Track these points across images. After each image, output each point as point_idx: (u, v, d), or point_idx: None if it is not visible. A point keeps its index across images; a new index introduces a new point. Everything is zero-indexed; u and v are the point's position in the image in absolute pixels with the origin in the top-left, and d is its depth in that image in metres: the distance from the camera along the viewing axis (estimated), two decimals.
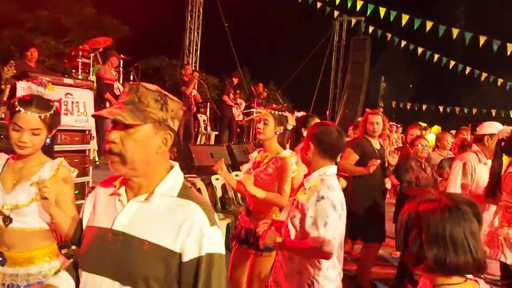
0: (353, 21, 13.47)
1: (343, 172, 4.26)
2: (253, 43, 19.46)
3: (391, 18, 10.71)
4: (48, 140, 2.07)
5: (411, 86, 28.18)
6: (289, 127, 3.30)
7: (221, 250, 1.35)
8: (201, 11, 12.83)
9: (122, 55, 8.89)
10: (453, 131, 7.92)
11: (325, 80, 15.34)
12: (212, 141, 9.96)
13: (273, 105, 11.72)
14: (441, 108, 15.25)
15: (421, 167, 4.63)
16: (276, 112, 3.22)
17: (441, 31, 10.39)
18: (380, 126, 4.36)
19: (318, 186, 2.31)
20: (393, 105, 17.15)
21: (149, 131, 1.31)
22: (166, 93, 1.37)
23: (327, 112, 15.39)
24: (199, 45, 12.90)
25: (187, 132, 8.35)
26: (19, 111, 1.94)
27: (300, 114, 4.48)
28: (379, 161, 4.08)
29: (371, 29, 12.78)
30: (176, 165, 1.44)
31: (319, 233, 2.19)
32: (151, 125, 1.32)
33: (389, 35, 12.66)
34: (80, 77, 7.84)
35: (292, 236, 2.40)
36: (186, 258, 1.29)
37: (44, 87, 2.04)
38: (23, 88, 4.65)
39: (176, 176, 1.40)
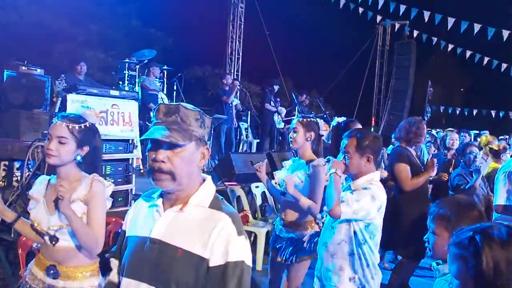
0: (397, 25, 13.17)
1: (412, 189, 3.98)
2: (295, 51, 19.44)
3: (436, 21, 10.39)
4: (79, 157, 2.13)
5: (462, 90, 27.15)
6: (322, 133, 3.27)
7: (247, 259, 1.40)
8: (242, 20, 13.00)
9: (165, 66, 9.16)
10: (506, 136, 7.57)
11: (368, 86, 15.06)
12: (254, 149, 10.03)
13: (313, 112, 11.68)
14: (493, 113, 14.57)
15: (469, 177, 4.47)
16: (305, 120, 3.22)
17: (490, 33, 9.98)
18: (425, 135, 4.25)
19: (367, 185, 2.56)
20: (441, 111, 16.55)
21: (193, 148, 1.43)
22: (201, 110, 1.47)
23: (373, 118, 15.08)
24: (240, 54, 13.05)
25: (228, 140, 8.48)
26: (53, 122, 2.10)
27: (341, 119, 4.40)
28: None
29: (415, 33, 12.44)
30: (209, 178, 1.55)
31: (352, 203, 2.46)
32: (194, 143, 1.42)
33: (435, 39, 12.27)
34: (126, 88, 8.16)
35: None
36: (212, 263, 1.36)
37: (85, 113, 2.18)
38: (72, 100, 4.92)
39: (208, 188, 1.50)
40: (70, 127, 2.07)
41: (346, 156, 2.64)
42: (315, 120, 3.30)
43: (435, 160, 3.95)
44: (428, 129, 13.01)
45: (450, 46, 12.11)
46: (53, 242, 2.09)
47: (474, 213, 1.75)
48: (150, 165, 1.42)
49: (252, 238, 5.58)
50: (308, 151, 3.20)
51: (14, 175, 4.31)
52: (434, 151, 6.57)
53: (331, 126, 4.11)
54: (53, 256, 2.13)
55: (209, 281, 1.35)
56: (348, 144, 2.65)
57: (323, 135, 3.35)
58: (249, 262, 1.41)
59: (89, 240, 2.06)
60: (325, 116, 9.28)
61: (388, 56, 14.39)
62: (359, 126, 4.19)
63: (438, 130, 12.81)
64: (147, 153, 1.44)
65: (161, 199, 1.48)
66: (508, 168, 3.53)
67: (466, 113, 15.41)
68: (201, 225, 1.40)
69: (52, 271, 2.11)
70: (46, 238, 2.11)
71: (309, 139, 3.19)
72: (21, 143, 4.23)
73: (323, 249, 2.73)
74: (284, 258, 3.12)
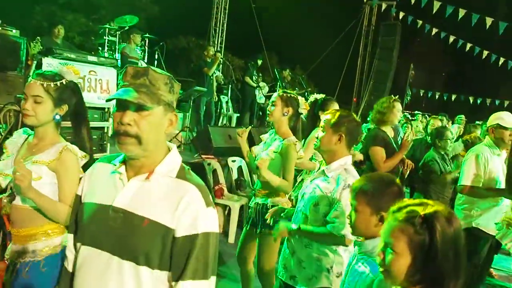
0: (384, 5, 13.11)
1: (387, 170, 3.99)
2: (281, 26, 19.22)
3: (422, 4, 10.38)
4: (57, 117, 2.07)
5: (443, 74, 27.44)
6: (301, 111, 3.29)
7: (214, 229, 1.41)
8: None
9: (147, 34, 8.98)
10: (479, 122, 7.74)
11: (351, 65, 15.06)
12: (234, 123, 10.02)
13: (296, 89, 11.68)
14: (471, 99, 14.81)
15: (444, 160, 4.56)
16: (284, 94, 3.22)
17: (474, 20, 10.03)
18: (400, 114, 4.28)
19: (343, 175, 2.40)
20: (421, 94, 16.74)
21: (161, 113, 1.40)
22: (171, 75, 1.44)
23: (354, 99, 15.16)
24: (225, 26, 12.85)
25: (208, 113, 8.44)
26: (29, 81, 2.02)
27: (319, 96, 4.41)
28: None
29: (401, 14, 12.42)
30: (174, 146, 1.52)
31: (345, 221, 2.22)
32: (162, 107, 1.39)
33: (420, 22, 12.28)
34: (106, 54, 7.98)
35: (310, 222, 2.47)
36: (179, 234, 1.35)
37: (63, 67, 2.09)
38: (48, 64, 4.80)
39: (175, 158, 1.48)
40: (45, 85, 2.00)
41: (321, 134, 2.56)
42: (295, 96, 3.30)
43: (409, 140, 3.98)
44: (407, 111, 13.19)
45: (434, 30, 12.14)
46: (10, 199, 2.02)
47: (394, 189, 1.77)
48: (115, 128, 1.38)
49: (226, 212, 5.67)
50: (284, 127, 3.21)
51: None
52: (414, 135, 6.66)
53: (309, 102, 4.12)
54: (11, 216, 2.04)
55: (175, 251, 1.35)
56: (326, 120, 2.56)
57: (301, 113, 3.36)
58: (216, 233, 1.41)
59: (56, 215, 1.98)
60: (306, 93, 9.32)
61: (373, 37, 14.36)
62: (336, 105, 4.24)
63: (417, 112, 12.98)
64: (112, 116, 1.41)
65: (124, 166, 1.45)
66: (476, 151, 3.63)
67: (445, 97, 15.61)
68: (167, 195, 1.38)
69: (8, 236, 2.08)
70: (6, 194, 2.04)
71: (286, 114, 3.20)
72: None
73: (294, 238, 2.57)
74: (257, 229, 3.17)
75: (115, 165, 1.47)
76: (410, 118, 9.96)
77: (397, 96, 4.26)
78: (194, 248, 1.34)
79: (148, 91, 1.35)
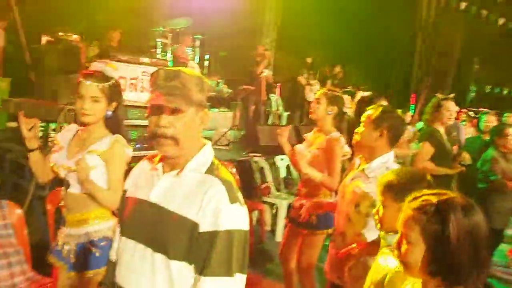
0: None
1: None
2: (334, 22, 18.95)
3: None
4: (109, 113, 2.27)
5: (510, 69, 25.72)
6: (346, 110, 3.24)
7: (239, 226, 1.40)
8: None
9: (199, 35, 9.19)
10: None
11: (409, 60, 14.51)
12: (284, 122, 10.03)
13: (349, 86, 11.48)
14: None
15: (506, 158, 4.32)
16: (330, 92, 3.19)
17: None
18: (455, 114, 4.10)
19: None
20: (487, 90, 15.80)
21: (193, 113, 1.44)
22: (201, 75, 1.50)
23: (413, 95, 14.63)
24: (277, 24, 12.87)
25: (256, 112, 8.52)
26: (81, 81, 2.20)
27: (366, 94, 4.33)
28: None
29: (464, 5, 11.72)
30: (208, 143, 1.55)
31: None
32: (194, 108, 1.44)
33: (484, 12, 11.53)
34: (159, 56, 8.28)
35: (357, 226, 2.39)
36: (202, 229, 1.37)
37: (105, 64, 2.28)
38: (92, 65, 5.11)
39: (206, 154, 1.51)
40: (100, 86, 2.19)
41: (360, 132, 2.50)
42: (340, 95, 3.26)
43: (462, 159, 3.84)
44: (468, 109, 12.56)
45: (501, 20, 11.35)
46: (66, 186, 2.27)
47: (423, 185, 1.68)
48: (152, 131, 1.43)
49: (274, 211, 5.71)
50: (328, 126, 3.15)
51: (50, 136, 4.54)
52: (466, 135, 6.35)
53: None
54: (65, 203, 2.31)
55: (198, 246, 1.38)
56: (367, 115, 2.49)
57: (346, 112, 3.31)
58: (242, 231, 1.40)
59: (107, 202, 2.21)
60: (350, 91, 9.14)
61: (432, 29, 13.71)
62: (384, 102, 4.13)
63: (484, 110, 12.23)
64: (148, 119, 1.45)
65: (161, 163, 1.52)
66: None
67: None
68: (195, 191, 1.42)
69: (62, 220, 2.33)
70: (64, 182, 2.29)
71: (330, 112, 3.13)
72: (56, 106, 4.45)
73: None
74: (299, 228, 3.18)
75: (155, 162, 1.55)
76: (473, 116, 9.46)
77: (451, 94, 4.08)
78: (216, 244, 1.36)
79: (181, 93, 1.40)
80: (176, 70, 1.44)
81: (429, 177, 1.83)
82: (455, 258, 1.24)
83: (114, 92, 2.27)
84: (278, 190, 5.93)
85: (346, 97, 3.29)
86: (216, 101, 9.27)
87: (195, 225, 1.38)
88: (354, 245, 2.24)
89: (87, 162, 2.13)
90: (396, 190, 1.76)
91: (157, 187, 1.48)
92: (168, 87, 1.41)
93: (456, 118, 8.80)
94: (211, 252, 1.36)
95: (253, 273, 4.38)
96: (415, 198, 1.34)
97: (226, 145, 6.75)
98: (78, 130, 2.36)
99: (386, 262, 1.68)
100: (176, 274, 1.41)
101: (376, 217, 1.87)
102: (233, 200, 1.40)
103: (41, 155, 2.38)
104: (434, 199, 1.29)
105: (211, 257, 1.36)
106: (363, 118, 2.51)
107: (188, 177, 1.45)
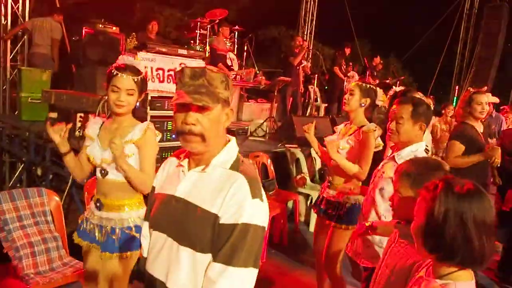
0: None
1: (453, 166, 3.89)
2: (373, 12, 18.50)
3: None
4: (138, 104, 2.39)
5: None
6: (379, 102, 3.18)
7: (259, 222, 1.41)
8: None
9: (237, 26, 9.20)
10: None
11: (451, 52, 14.04)
12: (322, 113, 9.92)
13: (390, 78, 11.19)
14: None
15: None
16: (364, 84, 3.15)
17: None
18: (487, 107, 3.90)
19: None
20: None
21: (220, 110, 1.45)
22: (227, 72, 1.50)
23: (456, 87, 14.12)
24: (315, 15, 12.71)
25: (294, 103, 8.45)
26: (116, 74, 2.27)
27: (398, 89, 4.23)
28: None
29: None
30: (233, 139, 1.57)
31: None
32: (220, 105, 1.45)
33: None
34: (198, 48, 8.35)
35: (380, 209, 2.53)
36: (222, 221, 1.40)
37: (132, 58, 2.37)
38: (142, 58, 5.16)
39: (231, 150, 1.53)
40: (135, 79, 2.30)
41: (398, 123, 2.53)
42: (373, 87, 3.21)
43: (494, 145, 3.67)
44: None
45: None
46: (104, 174, 2.39)
47: (439, 174, 1.69)
48: (180, 128, 1.45)
49: (309, 202, 5.68)
50: (360, 116, 3.14)
51: None
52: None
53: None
54: (101, 189, 2.43)
55: (218, 237, 1.40)
56: (402, 109, 2.53)
57: (378, 105, 3.26)
58: (260, 227, 1.41)
59: (141, 184, 2.32)
60: (387, 83, 8.89)
61: (475, 20, 13.22)
62: (418, 95, 4.00)
63: None
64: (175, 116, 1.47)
65: (187, 160, 1.55)
66: None
67: None
68: (219, 186, 1.44)
69: (98, 204, 2.43)
70: (98, 170, 2.42)
71: (363, 104, 3.12)
72: (95, 97, 4.55)
73: None
74: (333, 221, 3.14)
75: (181, 158, 1.58)
76: None
77: (484, 88, 3.90)
78: (232, 236, 1.37)
79: (208, 91, 1.41)
80: (201, 68, 1.45)
81: (447, 166, 1.82)
82: (442, 236, 1.31)
83: (144, 84, 2.38)
84: (313, 181, 5.89)
85: (379, 90, 3.21)
86: (253, 93, 9.29)
87: (216, 218, 1.41)
88: (369, 222, 2.29)
89: (121, 142, 2.21)
90: (412, 177, 1.77)
91: (183, 182, 1.51)
92: (194, 86, 1.42)
93: (503, 112, 8.45)
94: (226, 241, 1.38)
95: (286, 263, 4.39)
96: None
97: (263, 136, 6.74)
98: (103, 122, 2.47)
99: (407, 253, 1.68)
100: (201, 266, 1.44)
101: (390, 204, 1.90)
102: (255, 195, 1.42)
103: (75, 157, 2.48)
104: (439, 182, 1.36)
105: (225, 246, 1.38)
106: (398, 112, 2.55)
107: (213, 173, 1.48)
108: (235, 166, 1.49)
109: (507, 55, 13.80)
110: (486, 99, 3.82)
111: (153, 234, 1.60)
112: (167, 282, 1.50)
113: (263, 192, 1.46)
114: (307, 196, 5.67)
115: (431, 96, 7.91)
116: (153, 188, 1.72)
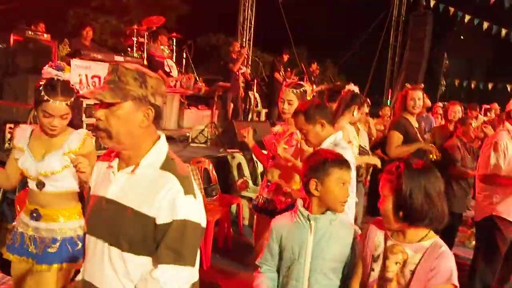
0: None
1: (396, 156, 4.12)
2: (309, 20, 19.09)
3: None
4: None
5: (480, 63, 26.44)
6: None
7: (196, 219, 1.43)
8: None
9: (174, 33, 9.14)
10: None
11: (383, 57, 14.82)
12: (263, 118, 10.07)
13: (326, 83, 11.55)
14: (509, 87, 14.20)
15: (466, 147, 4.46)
16: (299, 91, 3.19)
17: (507, 3, 9.64)
18: (421, 102, 4.19)
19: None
20: (458, 84, 16.19)
21: (130, 108, 1.42)
22: (145, 71, 1.47)
23: (389, 90, 14.86)
24: (253, 23, 12.90)
25: (235, 109, 8.53)
26: (48, 100, 2.12)
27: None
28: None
29: (432, 2, 12.10)
30: (162, 136, 1.54)
31: None
32: (131, 102, 1.42)
33: (451, 9, 11.91)
34: (135, 55, 8.21)
35: None
36: (159, 221, 1.40)
37: (62, 71, 2.25)
38: (76, 65, 5.02)
39: (160, 149, 1.51)
40: (69, 103, 2.19)
41: (302, 133, 2.69)
42: (305, 89, 3.31)
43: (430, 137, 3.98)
44: (443, 102, 12.78)
45: (467, 17, 11.75)
46: (40, 187, 2.26)
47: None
48: (94, 123, 1.47)
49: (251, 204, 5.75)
50: None
51: None
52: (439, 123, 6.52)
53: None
54: (38, 201, 2.30)
55: (158, 238, 1.41)
56: (297, 122, 2.67)
57: None
58: (196, 223, 1.43)
59: None
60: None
61: (403, 27, 14.07)
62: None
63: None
64: None
65: (116, 160, 1.53)
66: (495, 138, 3.53)
67: (481, 86, 15.04)
68: (150, 186, 1.44)
69: (34, 214, 2.29)
70: (33, 183, 2.27)
71: None
72: (26, 106, 4.37)
73: None
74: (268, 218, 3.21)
75: (110, 158, 1.56)
76: (442, 107, 9.67)
77: (421, 85, 4.19)
78: (169, 233, 1.39)
79: (115, 87, 1.40)
80: (115, 64, 1.45)
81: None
82: (411, 205, 1.64)
83: (77, 101, 2.31)
84: (255, 184, 5.96)
85: (308, 89, 3.32)
86: (194, 99, 9.26)
87: (149, 219, 1.41)
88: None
89: (85, 159, 2.09)
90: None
91: (113, 184, 1.50)
92: (106, 81, 1.43)
93: (432, 112, 8.99)
94: (163, 240, 1.39)
95: (231, 266, 4.41)
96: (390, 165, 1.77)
97: (204, 142, 6.75)
98: (33, 130, 2.33)
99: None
100: (133, 267, 1.44)
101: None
102: (187, 192, 1.43)
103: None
104: (399, 163, 1.70)
105: (163, 245, 1.39)
106: (296, 125, 2.78)
107: (143, 173, 1.47)
108: (166, 166, 1.48)
109: (433, 60, 14.73)
110: (420, 95, 4.09)
111: (87, 237, 1.58)
112: (100, 285, 1.48)
113: (196, 190, 1.47)
114: (250, 199, 5.73)
115: (367, 98, 8.29)
116: (89, 188, 1.68)
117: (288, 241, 1.96)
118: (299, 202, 2.00)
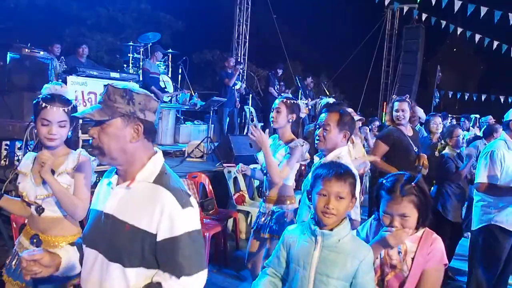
0: (405, 8, 13.00)
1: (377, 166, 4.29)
2: (303, 35, 19.31)
3: (443, 5, 10.22)
4: (69, 133, 2.30)
5: (473, 74, 26.73)
6: (302, 115, 3.33)
7: (195, 227, 1.48)
8: (249, 4, 12.94)
9: (170, 49, 9.23)
10: None
11: (376, 70, 14.98)
12: None
13: (321, 97, 11.63)
14: (502, 98, 14.36)
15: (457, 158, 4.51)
16: (288, 101, 3.25)
17: (496, 17, 9.80)
18: (406, 114, 4.26)
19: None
20: (452, 96, 16.34)
21: (119, 124, 1.47)
22: (133, 88, 1.52)
23: (384, 103, 14.97)
24: (247, 38, 13.04)
25: (230, 123, 8.58)
26: (45, 107, 2.16)
27: (331, 100, 4.44)
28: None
29: (424, 16, 12.27)
30: (159, 152, 1.59)
31: None
32: (120, 119, 1.47)
33: (443, 22, 12.07)
34: (131, 71, 8.28)
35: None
36: (160, 237, 1.44)
37: (60, 86, 2.28)
38: (72, 82, 5.04)
39: (155, 163, 1.55)
40: (66, 110, 2.20)
41: (325, 130, 2.69)
42: (297, 102, 3.34)
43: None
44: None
45: (459, 30, 11.90)
46: (40, 211, 2.24)
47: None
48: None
49: (249, 219, 5.73)
50: (288, 132, 3.24)
51: (16, 155, 4.44)
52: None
53: (320, 105, 4.16)
54: (38, 226, 2.28)
55: (159, 254, 1.45)
56: (330, 117, 2.69)
57: (301, 118, 3.43)
58: (197, 229, 1.48)
59: (70, 205, 2.19)
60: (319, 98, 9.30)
61: (396, 41, 14.26)
62: (349, 109, 4.28)
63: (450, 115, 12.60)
64: None
65: (116, 176, 1.57)
66: (492, 147, 3.56)
67: (474, 98, 15.19)
68: (145, 201, 1.47)
69: (35, 240, 2.27)
70: (33, 208, 2.27)
71: (290, 120, 3.22)
72: (22, 123, 4.37)
73: None
74: (265, 233, 3.21)
75: (112, 174, 1.60)
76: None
77: (406, 96, 4.29)
78: (180, 248, 1.43)
79: (104, 106, 1.46)
80: (107, 84, 1.51)
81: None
82: (432, 210, 1.97)
83: (73, 119, 2.28)
84: (252, 198, 5.96)
85: (301, 104, 3.38)
86: (189, 115, 9.31)
87: (147, 234, 1.44)
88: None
89: (49, 155, 2.12)
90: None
91: (110, 199, 1.54)
92: (99, 101, 1.50)
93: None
94: (177, 255, 1.42)
95: (228, 280, 4.39)
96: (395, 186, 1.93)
97: (200, 157, 6.76)
98: (36, 156, 2.31)
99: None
100: (133, 280, 1.47)
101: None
102: (184, 205, 1.47)
103: (8, 199, 2.36)
104: (412, 182, 1.92)
105: (181, 260, 1.43)
106: (326, 119, 2.71)
107: (138, 188, 1.50)
108: (158, 180, 1.51)
109: (426, 72, 14.89)
110: (405, 107, 4.20)
111: (85, 250, 1.60)
112: None
113: (190, 198, 1.51)
114: (247, 213, 5.73)
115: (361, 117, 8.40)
116: (91, 203, 1.73)
117: (295, 252, 1.94)
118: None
